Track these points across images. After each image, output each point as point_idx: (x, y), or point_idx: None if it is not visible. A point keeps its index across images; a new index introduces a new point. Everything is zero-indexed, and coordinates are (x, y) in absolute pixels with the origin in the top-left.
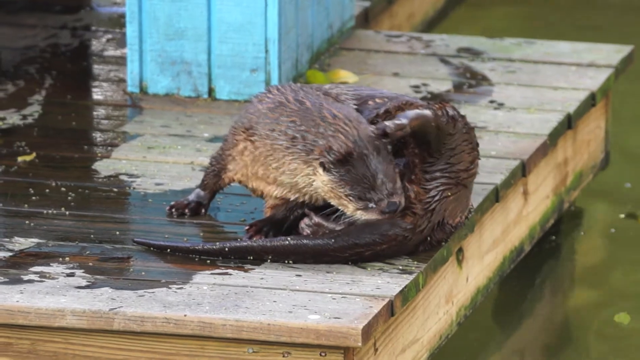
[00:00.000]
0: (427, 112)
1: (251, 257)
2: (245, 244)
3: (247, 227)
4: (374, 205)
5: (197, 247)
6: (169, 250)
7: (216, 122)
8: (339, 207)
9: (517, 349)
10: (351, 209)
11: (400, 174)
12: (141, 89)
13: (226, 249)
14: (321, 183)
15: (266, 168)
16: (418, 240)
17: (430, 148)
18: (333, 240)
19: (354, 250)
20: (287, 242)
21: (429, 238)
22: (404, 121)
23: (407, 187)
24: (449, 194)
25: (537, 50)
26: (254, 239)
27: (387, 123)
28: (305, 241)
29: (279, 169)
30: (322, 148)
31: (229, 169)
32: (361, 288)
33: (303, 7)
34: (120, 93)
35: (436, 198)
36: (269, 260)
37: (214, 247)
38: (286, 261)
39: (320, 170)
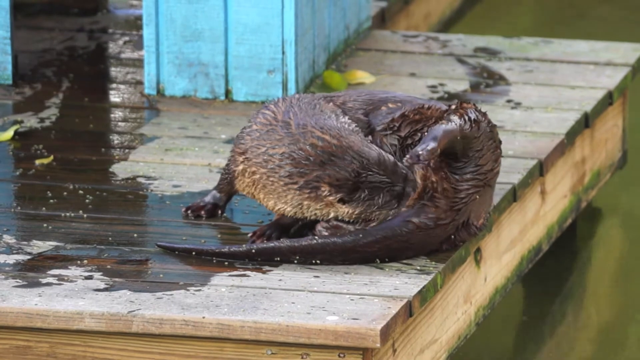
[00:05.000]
0: (453, 126)
1: (278, 259)
2: (272, 245)
3: (250, 234)
4: (408, 190)
5: (223, 250)
6: (194, 253)
7: (233, 124)
8: (367, 220)
9: (537, 348)
10: (384, 213)
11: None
12: (158, 91)
13: (253, 251)
14: (342, 214)
15: (266, 195)
16: (442, 235)
17: (457, 156)
18: (361, 235)
19: (382, 244)
20: (315, 242)
21: (453, 237)
22: (434, 145)
23: (435, 181)
24: (477, 196)
25: (554, 50)
26: (260, 241)
27: (419, 151)
28: (333, 239)
29: (280, 200)
30: (328, 183)
31: (235, 183)
32: (379, 289)
33: (320, 8)
34: (137, 95)
35: (464, 200)
36: (296, 261)
37: (241, 249)
38: (314, 261)
39: (340, 204)
